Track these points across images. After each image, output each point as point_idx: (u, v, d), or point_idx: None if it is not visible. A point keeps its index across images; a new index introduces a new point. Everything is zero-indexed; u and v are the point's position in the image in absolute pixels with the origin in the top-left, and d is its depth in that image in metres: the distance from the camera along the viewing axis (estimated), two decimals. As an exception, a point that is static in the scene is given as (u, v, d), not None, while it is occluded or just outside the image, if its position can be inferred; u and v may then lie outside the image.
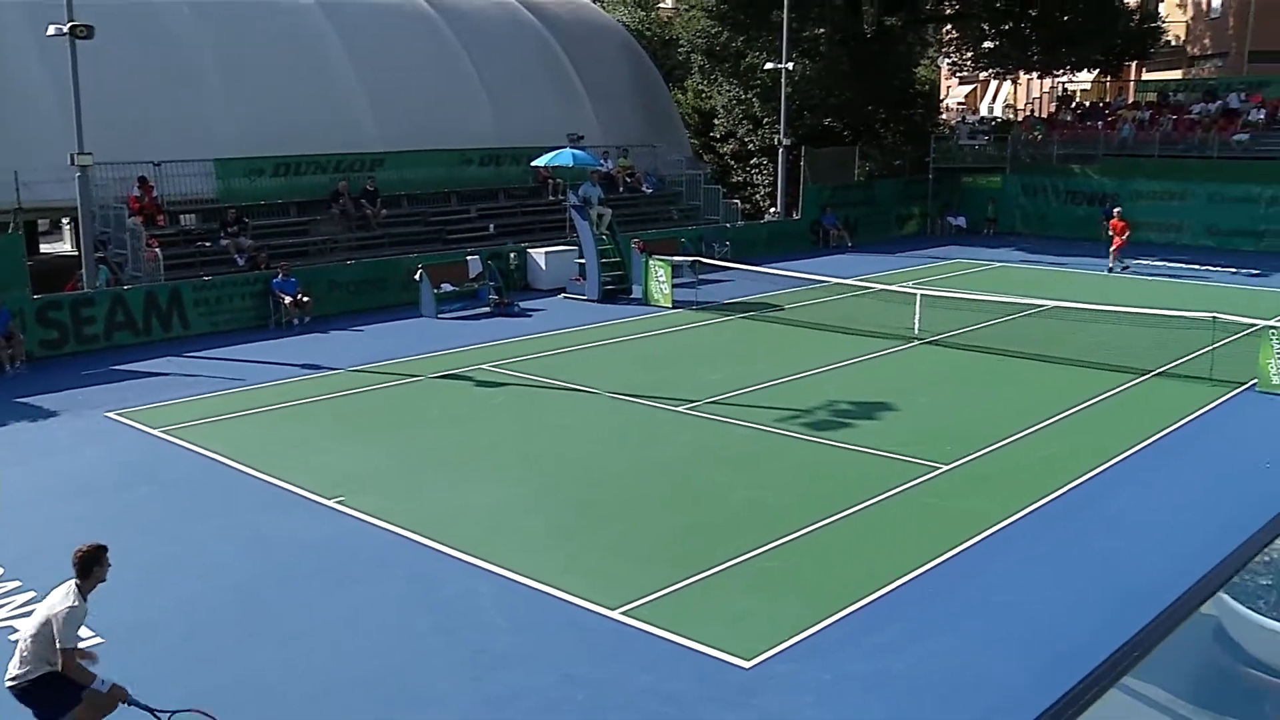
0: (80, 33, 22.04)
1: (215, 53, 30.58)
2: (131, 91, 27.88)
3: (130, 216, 26.38)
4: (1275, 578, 3.56)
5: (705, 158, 48.51)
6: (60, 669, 7.88)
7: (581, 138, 32.27)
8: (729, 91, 45.65)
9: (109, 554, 8.34)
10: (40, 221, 41.23)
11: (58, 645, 7.86)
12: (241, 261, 26.87)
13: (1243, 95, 40.38)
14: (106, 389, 19.13)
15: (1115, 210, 33.12)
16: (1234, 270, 31.74)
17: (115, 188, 26.67)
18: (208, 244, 27.39)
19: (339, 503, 13.36)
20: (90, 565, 8.28)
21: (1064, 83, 51.59)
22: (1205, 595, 2.45)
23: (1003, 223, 41.05)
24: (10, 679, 8.03)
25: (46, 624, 7.96)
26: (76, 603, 8.05)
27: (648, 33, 53.23)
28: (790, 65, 37.49)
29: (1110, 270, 31.66)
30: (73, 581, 8.17)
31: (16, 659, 8.05)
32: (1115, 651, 2.19)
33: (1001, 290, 26.30)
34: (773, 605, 10.57)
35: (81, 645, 8.27)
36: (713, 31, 43.01)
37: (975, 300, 24.46)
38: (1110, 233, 32.21)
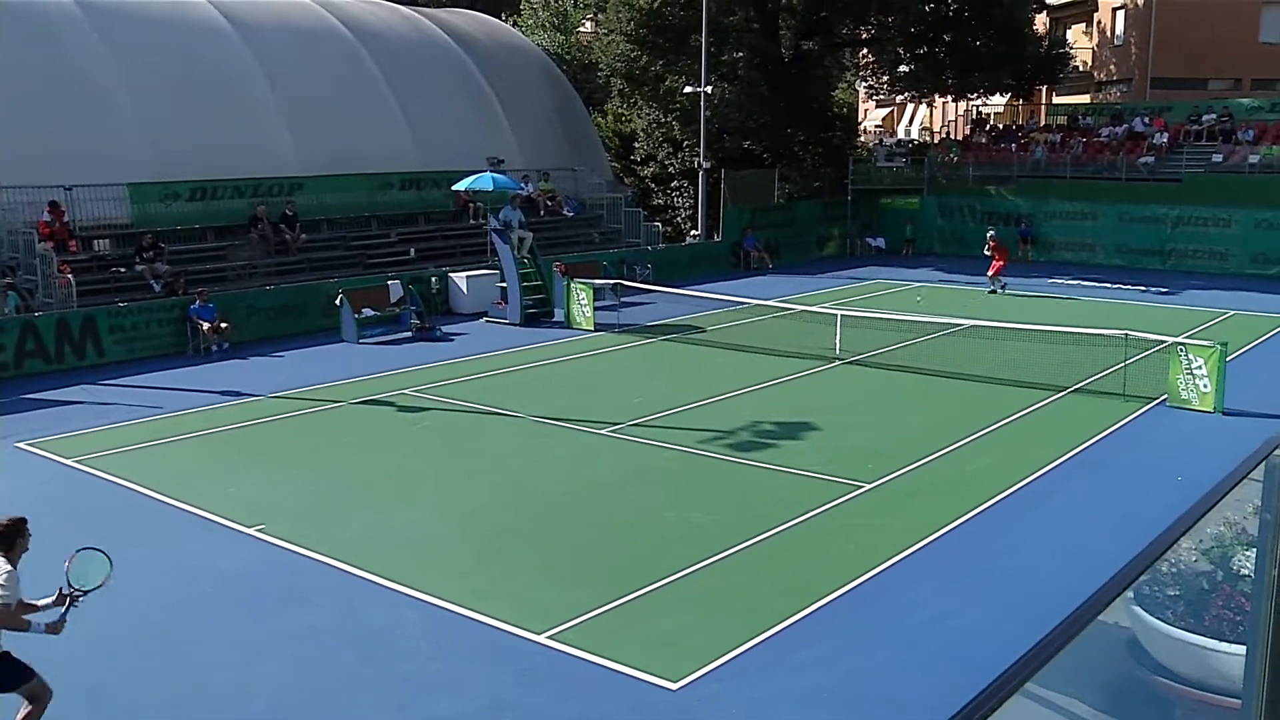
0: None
1: (124, 75, 29.99)
2: (37, 115, 27.21)
3: (40, 242, 25.85)
4: (1182, 588, 3.67)
5: (626, 181, 48.69)
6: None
7: (502, 161, 32.23)
8: (649, 115, 45.89)
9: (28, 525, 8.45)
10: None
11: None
12: (158, 287, 26.45)
13: (1147, 119, 41.52)
14: (17, 418, 18.70)
15: (990, 234, 33.16)
16: (1144, 288, 32.53)
17: (24, 212, 26.10)
18: (123, 270, 26.92)
19: (259, 530, 13.19)
20: (13, 537, 8.39)
21: (978, 106, 52.63)
22: (1107, 600, 2.53)
23: (921, 243, 41.67)
24: None
25: None
26: (6, 566, 8.14)
27: (567, 57, 53.37)
28: (709, 89, 37.82)
29: (991, 291, 31.53)
30: None
31: None
32: (1019, 658, 2.25)
33: (920, 310, 26.68)
34: (701, 625, 10.61)
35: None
36: (632, 56, 43.23)
37: (894, 320, 24.79)
38: (988, 253, 32.07)
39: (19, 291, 24.85)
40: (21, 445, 17.00)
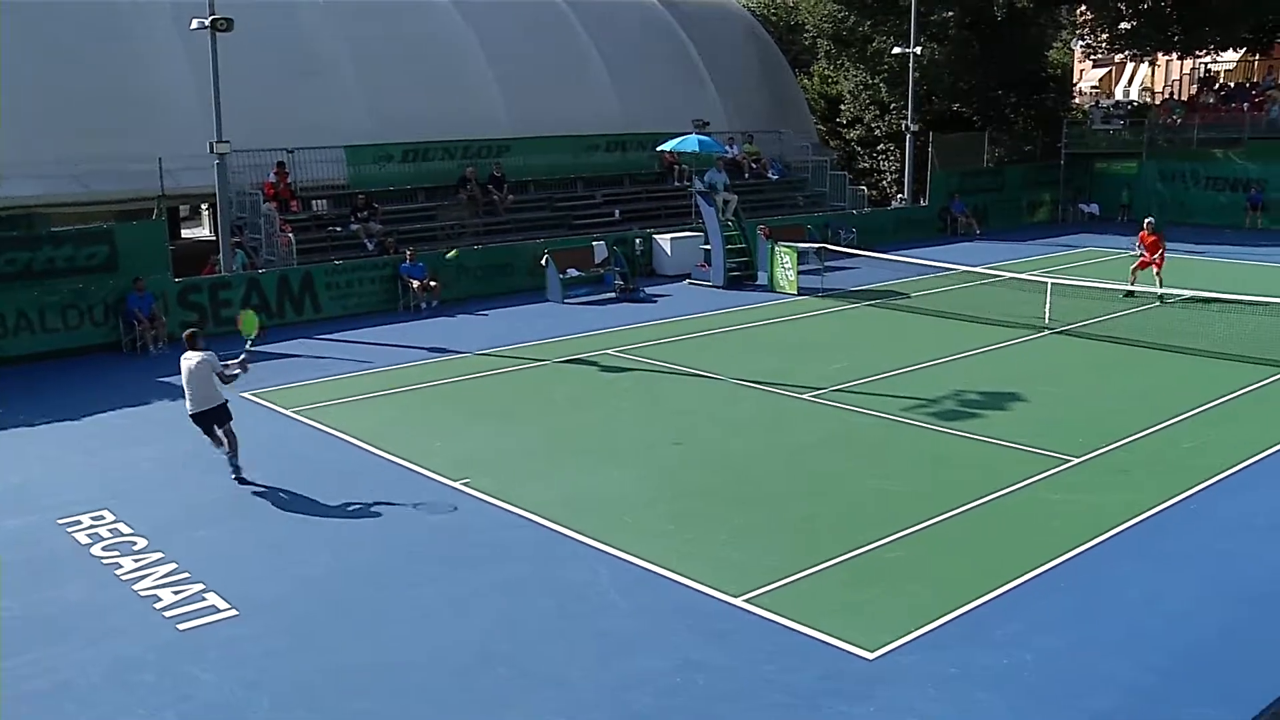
0: (221, 25, 22.71)
1: (348, 44, 31.26)
2: (267, 82, 28.60)
3: (265, 202, 27.10)
4: None
5: (831, 144, 48.05)
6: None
7: (707, 124, 32.19)
8: (855, 77, 45.11)
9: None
10: (181, 208, 42.57)
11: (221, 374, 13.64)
12: (371, 246, 27.42)
13: None
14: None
15: (1147, 222, 25.66)
16: (1386, 260, 30.44)
17: (251, 174, 27.45)
18: (338, 229, 28.02)
19: (464, 484, 13.58)
20: (196, 337, 13.86)
21: (1206, 63, 49.85)
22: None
23: (1138, 210, 39.86)
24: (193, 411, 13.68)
25: (196, 372, 13.58)
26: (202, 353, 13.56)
27: (773, 18, 52.80)
28: (918, 50, 36.90)
29: (1128, 294, 24.90)
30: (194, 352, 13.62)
31: (192, 403, 13.66)
32: None
33: (1136, 280, 25.55)
34: (897, 597, 10.46)
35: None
36: (839, 16, 42.50)
37: (1108, 289, 23.82)
38: (1140, 248, 25.61)
39: (245, 249, 26.12)
40: (246, 395, 17.87)
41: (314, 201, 28.94)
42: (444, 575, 11.11)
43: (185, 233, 44.38)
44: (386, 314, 24.84)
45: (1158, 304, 24.31)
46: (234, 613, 10.22)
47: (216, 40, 22.86)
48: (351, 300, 25.09)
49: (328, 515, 12.78)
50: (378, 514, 12.82)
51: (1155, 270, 24.77)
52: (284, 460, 14.71)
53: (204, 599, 10.50)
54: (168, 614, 10.22)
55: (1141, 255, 25.26)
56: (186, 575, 11.04)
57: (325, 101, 30.02)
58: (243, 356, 13.81)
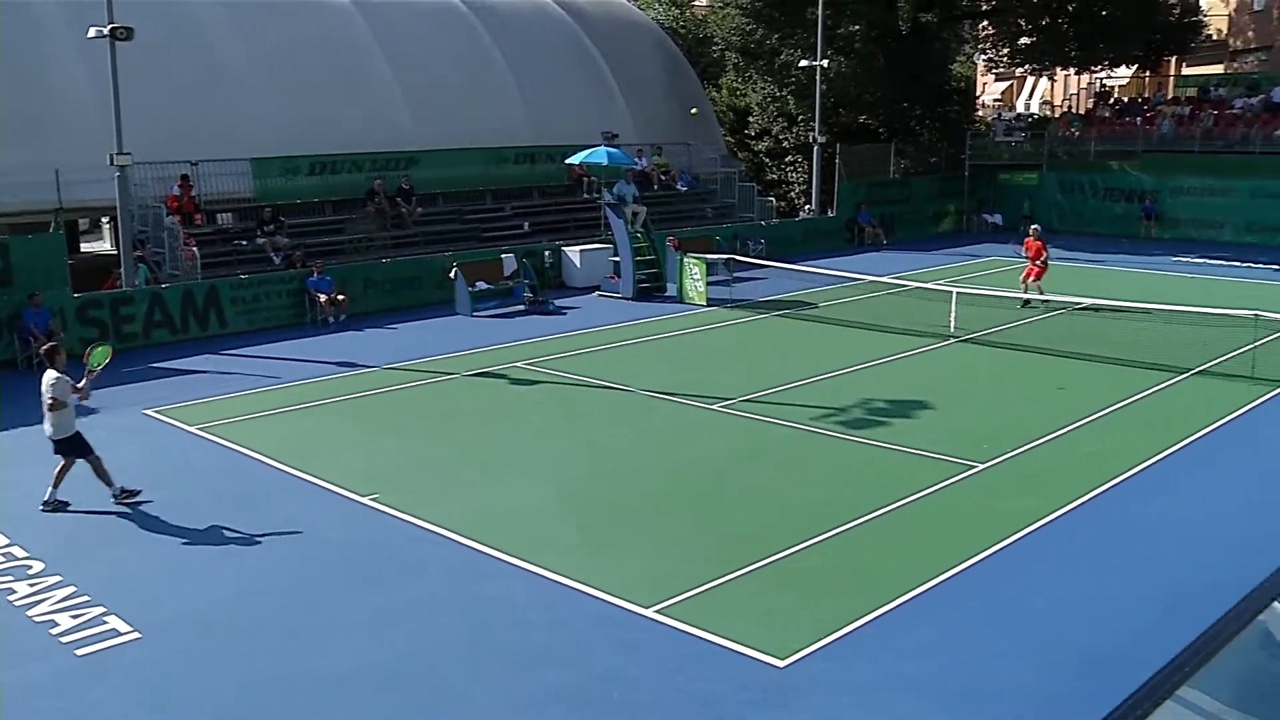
0: (120, 34, 22.21)
1: (250, 53, 30.79)
2: (169, 92, 28.07)
3: (168, 215, 26.59)
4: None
5: (740, 155, 48.40)
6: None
7: (616, 136, 32.24)
8: (764, 89, 45.51)
9: None
10: (80, 221, 41.62)
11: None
12: (278, 260, 27.04)
13: (1286, 90, 39.92)
14: (144, 386, 19.28)
15: (1033, 228, 26.20)
16: (1276, 267, 31.38)
17: (154, 187, 26.91)
18: (244, 243, 27.60)
19: (373, 500, 13.41)
20: (54, 354, 13.52)
21: (1102, 78, 51.13)
22: (1263, 603, 2.40)
23: (1039, 220, 40.60)
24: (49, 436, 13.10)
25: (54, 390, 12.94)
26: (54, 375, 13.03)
27: (682, 30, 53.15)
28: (825, 62, 37.33)
29: (1025, 304, 25.02)
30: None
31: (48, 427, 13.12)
32: (1170, 661, 2.14)
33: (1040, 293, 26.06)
34: (808, 604, 10.52)
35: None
36: (747, 29, 42.88)
37: (1011, 298, 24.27)
38: (1024, 254, 26.02)
39: (148, 264, 25.60)
40: (148, 412, 17.52)
41: (219, 215, 28.49)
42: (353, 593, 10.95)
43: (85, 246, 43.39)
44: (294, 328, 24.49)
45: (1041, 309, 24.74)
46: (136, 635, 9.97)
47: (116, 49, 22.36)
48: (258, 315, 24.69)
49: (233, 534, 12.53)
50: (285, 531, 12.60)
51: (1033, 277, 25.11)
52: (188, 478, 14.42)
53: (104, 622, 10.22)
54: (65, 639, 9.93)
55: (1027, 263, 25.58)
56: (86, 599, 10.74)
57: (229, 113, 29.54)
58: (84, 383, 13.33)
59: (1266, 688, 3.24)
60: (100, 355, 13.69)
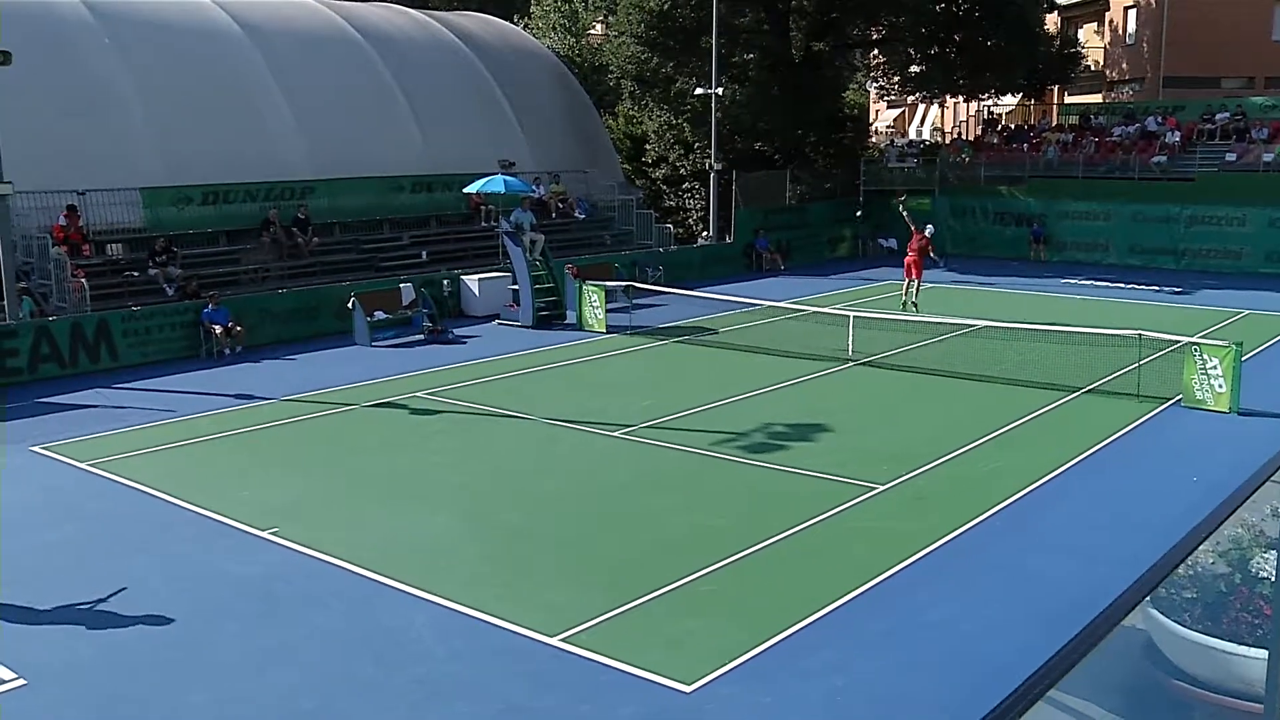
0: None
1: (137, 81, 30.11)
2: (51, 119, 27.38)
3: (54, 246, 25.94)
4: (1200, 591, 3.64)
5: (637, 183, 48.66)
6: None
7: (513, 164, 32.23)
8: (660, 117, 45.85)
9: None
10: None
11: None
12: (171, 291, 26.52)
13: (1159, 118, 41.44)
14: (32, 422, 18.76)
15: (927, 227, 28.39)
16: (1157, 288, 32.43)
17: (37, 217, 26.24)
18: (136, 274, 27.00)
19: (273, 534, 13.20)
20: None
21: (989, 106, 52.50)
22: (1130, 606, 2.50)
23: (933, 244, 41.47)
24: None
25: None
26: None
27: (578, 59, 53.37)
28: (720, 90, 37.77)
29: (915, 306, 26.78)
30: None
31: None
32: (1041, 666, 2.22)
33: (933, 311, 26.63)
34: (713, 629, 10.59)
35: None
36: (642, 58, 43.18)
37: (907, 321, 24.73)
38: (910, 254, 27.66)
39: (33, 296, 24.94)
40: (36, 449, 17.05)
41: (109, 245, 27.83)
42: (251, 629, 10.76)
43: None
44: (188, 361, 24.01)
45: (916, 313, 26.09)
46: (21, 682, 9.67)
47: (-4, 77, 21.84)
48: (151, 347, 24.16)
49: (127, 571, 12.22)
50: (181, 567, 12.34)
51: (912, 276, 26.96)
52: (79, 516, 14.06)
53: (-10, 668, 9.92)
54: (-50, 685, 9.62)
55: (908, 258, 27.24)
56: (-30, 643, 10.41)
57: (116, 141, 28.91)
58: None
59: (1148, 694, 3.37)
60: None
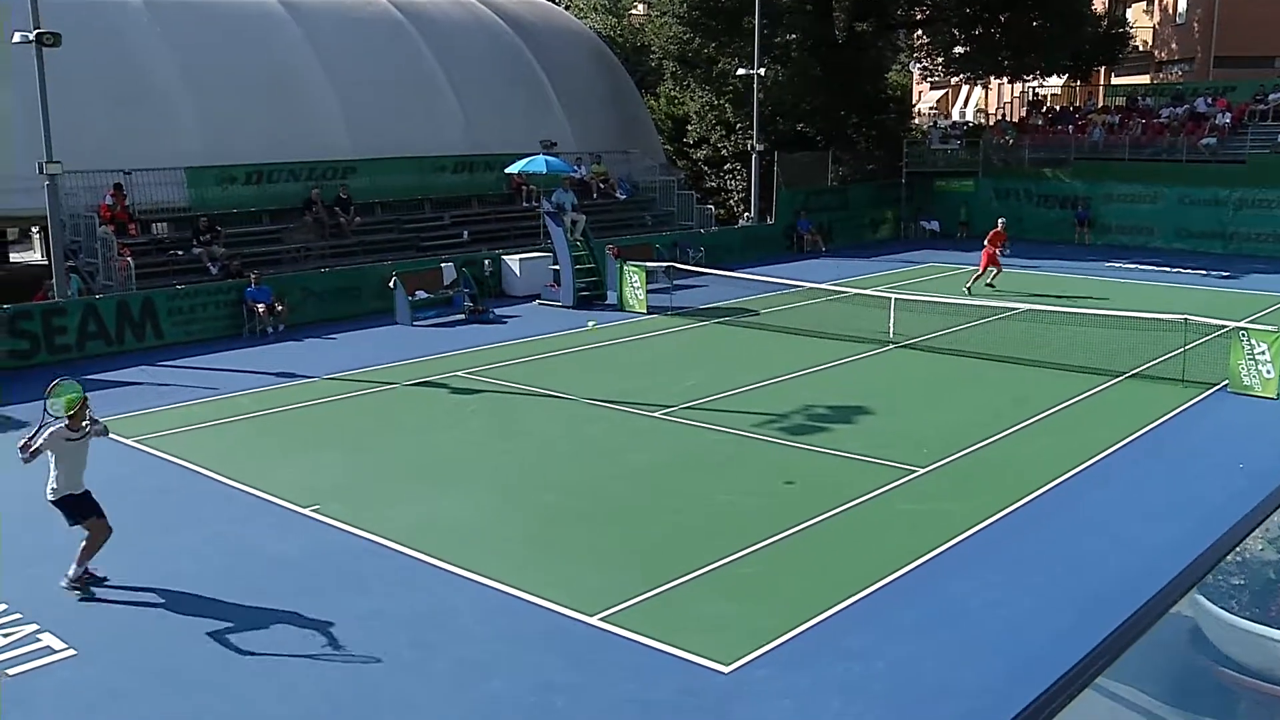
0: (47, 40, 21.89)
1: (182, 61, 30.37)
2: (99, 100, 27.70)
3: (101, 225, 26.21)
4: (1248, 577, 3.59)
5: (679, 164, 48.58)
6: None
7: (554, 144, 32.26)
8: (701, 98, 45.72)
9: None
10: (9, 230, 40.95)
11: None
12: (215, 270, 26.74)
13: (1209, 100, 40.79)
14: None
15: (1000, 221, 29.48)
16: (1204, 272, 32.03)
17: (85, 196, 26.51)
18: (180, 253, 27.25)
19: (314, 511, 13.31)
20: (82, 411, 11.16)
21: (1034, 87, 51.93)
22: (1178, 595, 2.47)
23: (976, 226, 41.14)
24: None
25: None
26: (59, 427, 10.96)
27: (619, 39, 53.26)
28: (762, 71, 37.58)
29: (968, 290, 27.77)
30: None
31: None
32: (1089, 653, 2.20)
33: (975, 294, 26.42)
34: (750, 611, 10.58)
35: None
36: (684, 38, 43.05)
37: (949, 304, 24.58)
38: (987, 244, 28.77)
39: (81, 274, 25.23)
40: (82, 425, 17.23)
41: (154, 225, 28.09)
42: (295, 605, 10.85)
43: (14, 256, 42.71)
44: (232, 339, 24.23)
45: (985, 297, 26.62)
46: (72, 653, 9.82)
47: (44, 55, 22.01)
48: (195, 326, 24.39)
49: (172, 547, 12.37)
50: (225, 543, 12.47)
51: (984, 267, 28.15)
52: (126, 490, 14.18)
53: (38, 640, 10.06)
54: (-2, 658, 9.77)
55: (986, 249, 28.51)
56: (19, 616, 10.55)
57: (162, 122, 29.19)
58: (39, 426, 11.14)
59: (1193, 681, 3.33)
60: (69, 402, 11.12)
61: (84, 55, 26.52)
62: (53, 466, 11.04)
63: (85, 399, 11.20)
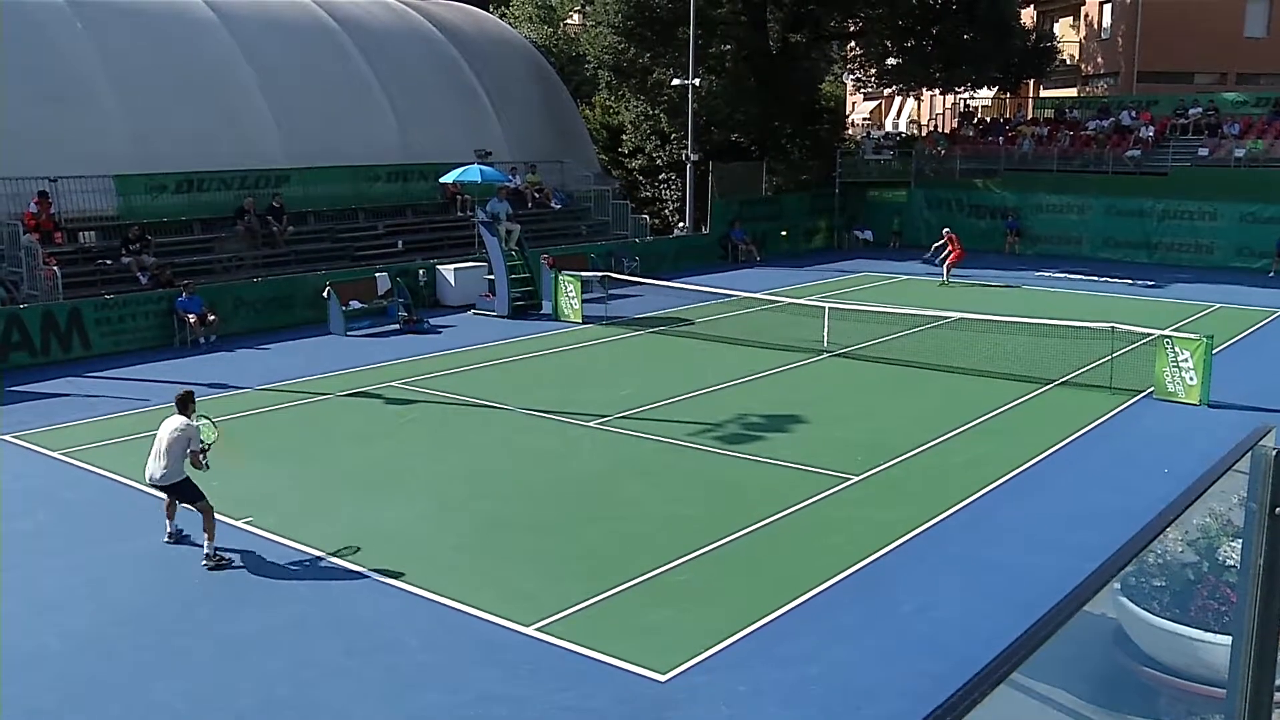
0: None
1: (108, 66, 29.84)
2: (22, 108, 27.11)
3: (25, 233, 25.74)
4: (1168, 579, 3.69)
5: (613, 173, 48.64)
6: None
7: (489, 154, 32.15)
8: (636, 107, 45.85)
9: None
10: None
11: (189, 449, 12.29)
12: (144, 280, 26.36)
13: (1133, 113, 41.70)
14: (2, 411, 18.63)
15: (945, 231, 33.47)
16: (1130, 281, 32.64)
17: (9, 204, 26.01)
18: (109, 262, 26.81)
19: (247, 523, 13.17)
20: (186, 402, 12.65)
21: (965, 99, 52.69)
22: (1095, 589, 2.53)
23: (908, 236, 41.71)
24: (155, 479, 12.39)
25: (175, 441, 12.24)
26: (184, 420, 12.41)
27: (554, 49, 53.24)
28: (696, 81, 37.80)
29: (943, 283, 31.87)
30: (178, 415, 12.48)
31: (158, 468, 12.30)
32: (1006, 648, 2.25)
33: (908, 303, 26.76)
34: (687, 618, 10.62)
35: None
36: (619, 48, 43.15)
37: (882, 313, 24.83)
38: (947, 246, 32.54)
39: (4, 284, 24.77)
40: (7, 438, 16.93)
41: (81, 233, 27.64)
42: (224, 617, 10.74)
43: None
44: (162, 350, 23.90)
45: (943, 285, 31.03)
46: (-4, 669, 9.65)
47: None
48: (124, 336, 24.03)
49: (98, 561, 12.18)
50: (153, 557, 12.31)
51: (955, 260, 31.93)
52: (49, 505, 13.99)
53: (-41, 657, 9.86)
54: (-79, 674, 9.56)
55: (949, 253, 32.08)
56: (-57, 631, 10.35)
57: (89, 128, 28.67)
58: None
59: (1118, 680, 3.41)
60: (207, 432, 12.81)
61: (8, 57, 26.09)
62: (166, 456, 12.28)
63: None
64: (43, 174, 26.44)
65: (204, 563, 12.01)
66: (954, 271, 32.40)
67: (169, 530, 12.70)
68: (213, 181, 29.88)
